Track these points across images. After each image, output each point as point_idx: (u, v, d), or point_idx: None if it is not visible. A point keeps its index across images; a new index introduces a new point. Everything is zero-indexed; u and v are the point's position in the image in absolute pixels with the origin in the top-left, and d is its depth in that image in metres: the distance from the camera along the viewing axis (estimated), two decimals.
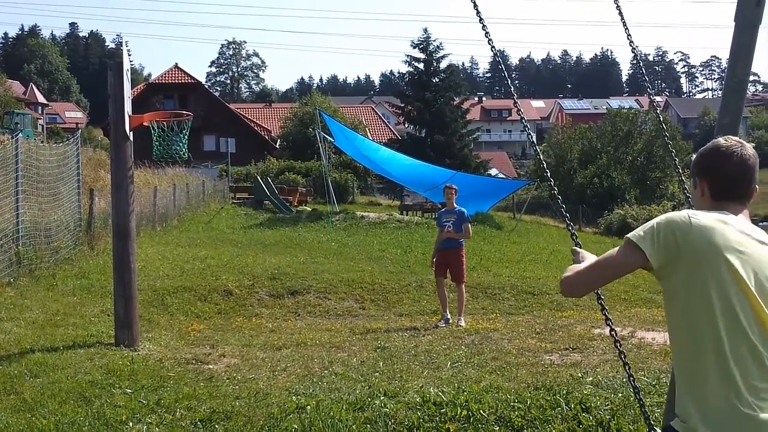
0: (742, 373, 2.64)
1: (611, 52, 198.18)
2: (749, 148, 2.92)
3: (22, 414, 6.41)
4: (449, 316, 11.92)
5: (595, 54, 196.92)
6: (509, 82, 4.72)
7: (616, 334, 4.22)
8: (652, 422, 3.89)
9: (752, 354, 2.66)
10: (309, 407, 6.27)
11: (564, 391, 6.47)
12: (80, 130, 33.74)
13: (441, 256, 12.38)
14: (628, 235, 2.91)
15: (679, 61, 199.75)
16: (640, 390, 6.58)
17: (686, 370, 2.80)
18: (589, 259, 3.32)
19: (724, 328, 2.67)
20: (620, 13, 4.88)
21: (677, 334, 2.87)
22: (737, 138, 3.00)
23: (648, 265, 2.86)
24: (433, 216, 33.56)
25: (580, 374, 7.26)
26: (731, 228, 2.76)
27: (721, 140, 2.95)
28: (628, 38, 4.82)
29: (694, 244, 2.73)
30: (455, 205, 12.63)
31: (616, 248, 2.98)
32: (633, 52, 4.99)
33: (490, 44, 4.37)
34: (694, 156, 3.04)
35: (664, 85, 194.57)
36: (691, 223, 2.76)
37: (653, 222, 2.86)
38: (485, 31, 4.56)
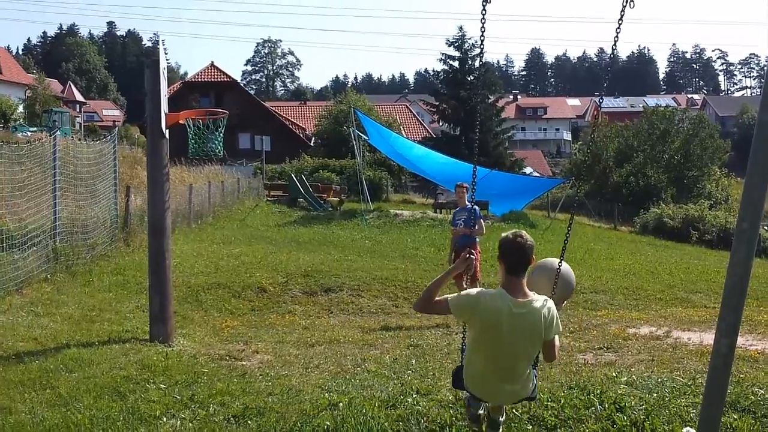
0: None
1: (648, 50, 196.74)
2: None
3: (57, 408, 6.47)
4: None
5: (632, 52, 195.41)
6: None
7: None
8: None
9: None
10: (341, 404, 6.27)
11: (598, 391, 6.42)
12: (117, 128, 34.06)
13: (457, 255, 12.32)
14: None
15: (717, 58, 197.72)
16: (676, 390, 6.53)
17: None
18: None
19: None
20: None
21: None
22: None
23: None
24: None
25: (614, 374, 7.19)
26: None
27: (510, 234, 4.87)
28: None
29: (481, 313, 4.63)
30: (467, 202, 12.61)
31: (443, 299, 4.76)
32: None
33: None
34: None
35: (701, 83, 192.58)
36: (479, 301, 4.64)
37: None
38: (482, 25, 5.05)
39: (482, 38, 5.09)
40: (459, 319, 4.82)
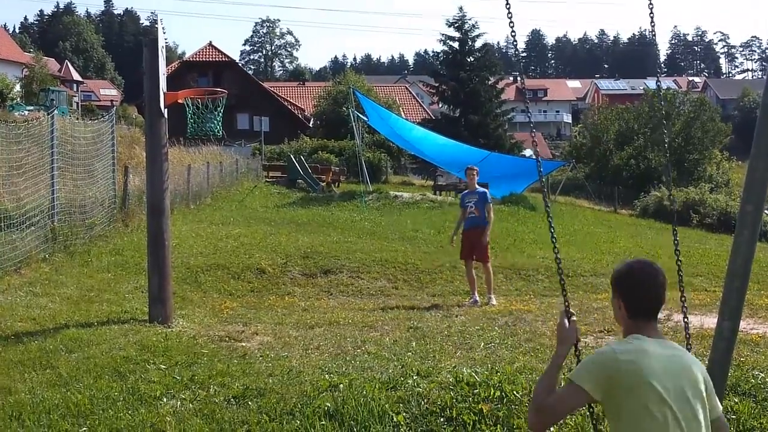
0: None
1: (649, 32, 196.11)
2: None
3: (57, 388, 6.46)
4: (477, 298, 12.07)
5: (633, 34, 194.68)
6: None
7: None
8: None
9: None
10: (342, 386, 6.25)
11: None
12: (115, 107, 33.96)
13: (465, 237, 12.53)
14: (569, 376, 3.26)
15: (719, 41, 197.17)
16: None
17: None
18: (562, 352, 3.57)
19: None
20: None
21: None
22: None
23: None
24: None
25: None
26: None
27: (634, 263, 3.44)
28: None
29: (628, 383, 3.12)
30: (477, 186, 12.79)
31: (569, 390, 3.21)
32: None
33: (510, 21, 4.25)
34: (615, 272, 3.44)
35: (702, 65, 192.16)
36: (620, 366, 3.13)
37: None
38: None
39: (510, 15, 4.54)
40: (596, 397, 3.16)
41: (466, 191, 13.11)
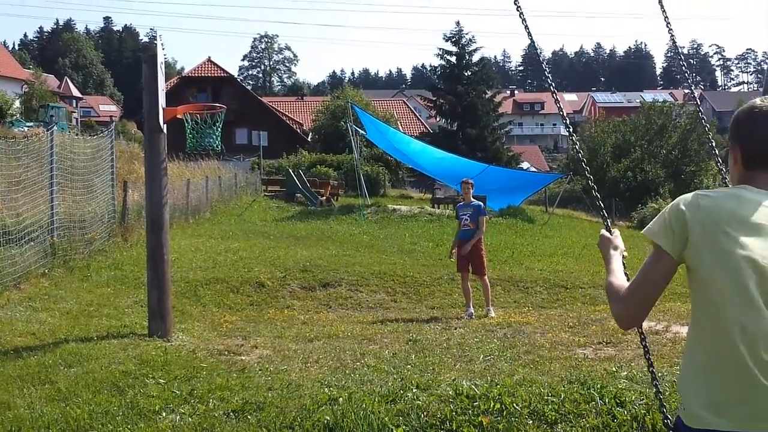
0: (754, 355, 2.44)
1: (645, 45, 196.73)
2: None
3: (56, 403, 6.45)
4: (473, 311, 12.16)
5: (629, 47, 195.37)
6: (547, 73, 4.61)
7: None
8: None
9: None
10: (341, 399, 6.25)
11: (598, 386, 6.41)
12: (114, 123, 34.02)
13: (460, 250, 12.58)
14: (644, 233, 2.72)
15: (714, 53, 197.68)
16: (677, 384, 6.52)
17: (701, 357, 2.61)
18: (615, 256, 3.14)
19: (739, 313, 2.46)
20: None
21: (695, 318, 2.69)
22: None
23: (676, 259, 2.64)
24: None
25: (614, 368, 7.17)
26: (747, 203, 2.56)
27: (757, 100, 2.74)
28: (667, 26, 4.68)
29: (702, 225, 2.54)
30: (472, 198, 12.85)
31: (648, 258, 2.72)
32: (672, 39, 4.82)
33: (527, 32, 4.27)
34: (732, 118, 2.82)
35: (699, 78, 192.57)
36: (699, 204, 2.58)
37: (663, 211, 2.68)
38: (522, 19, 4.34)
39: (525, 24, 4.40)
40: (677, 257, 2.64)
41: (461, 203, 13.26)
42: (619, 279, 2.92)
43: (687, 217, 2.56)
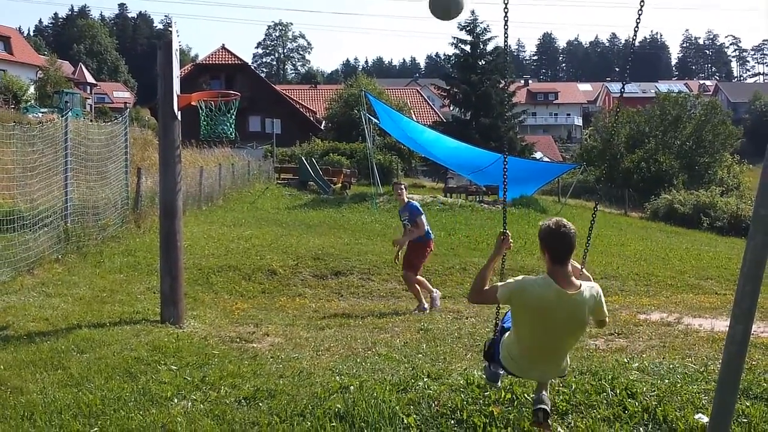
0: None
1: (661, 36, 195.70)
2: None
3: (68, 389, 6.49)
4: (437, 292, 12.04)
5: (644, 37, 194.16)
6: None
7: None
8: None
9: None
10: (352, 387, 6.26)
11: (609, 377, 6.40)
12: (128, 109, 34.08)
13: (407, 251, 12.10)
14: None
15: (730, 44, 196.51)
16: (688, 376, 6.51)
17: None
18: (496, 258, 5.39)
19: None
20: None
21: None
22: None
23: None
24: (477, 199, 33.46)
25: (625, 360, 7.17)
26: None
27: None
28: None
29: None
30: (406, 199, 12.29)
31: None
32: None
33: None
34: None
35: (714, 69, 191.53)
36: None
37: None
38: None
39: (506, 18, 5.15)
40: (504, 305, 5.02)
41: (400, 208, 12.67)
42: (483, 276, 5.07)
43: (520, 295, 4.93)
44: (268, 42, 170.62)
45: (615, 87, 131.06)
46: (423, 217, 11.97)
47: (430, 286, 12.09)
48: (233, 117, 10.33)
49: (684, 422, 5.55)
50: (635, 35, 5.28)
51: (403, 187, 12.42)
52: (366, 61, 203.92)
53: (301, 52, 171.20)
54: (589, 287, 4.86)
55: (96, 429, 5.71)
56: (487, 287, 4.97)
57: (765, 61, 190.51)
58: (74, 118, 18.97)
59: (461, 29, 58.85)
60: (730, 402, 4.53)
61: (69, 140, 14.25)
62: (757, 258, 4.41)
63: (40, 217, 12.86)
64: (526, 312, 4.82)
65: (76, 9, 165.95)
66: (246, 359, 7.52)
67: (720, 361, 6.47)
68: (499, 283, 4.91)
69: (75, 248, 13.64)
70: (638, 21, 5.14)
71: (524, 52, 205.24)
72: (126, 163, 17.88)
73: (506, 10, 5.18)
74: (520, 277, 4.94)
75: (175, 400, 6.21)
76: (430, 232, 12.23)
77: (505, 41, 5.04)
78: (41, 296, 10.46)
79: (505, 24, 4.96)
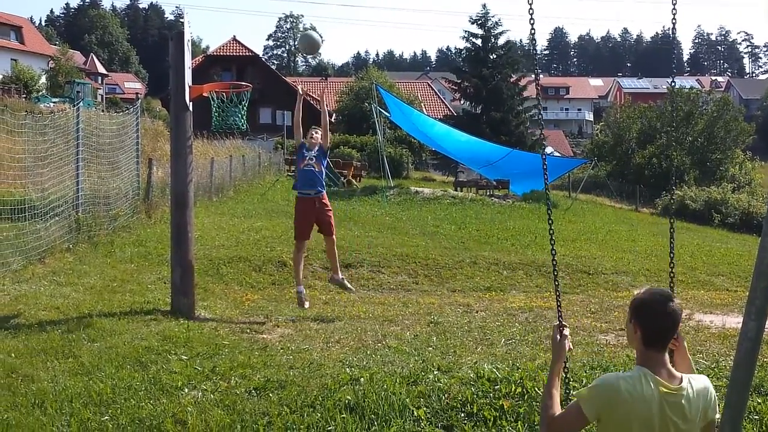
0: None
1: (672, 31, 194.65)
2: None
3: (79, 377, 6.51)
4: (303, 288, 10.27)
5: (656, 33, 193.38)
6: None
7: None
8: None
9: None
10: (362, 379, 6.26)
11: (621, 371, 6.38)
12: (140, 100, 34.14)
13: (301, 208, 10.40)
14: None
15: (743, 41, 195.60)
16: (699, 372, 6.48)
17: None
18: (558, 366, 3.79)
19: None
20: None
21: None
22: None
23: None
24: (488, 193, 33.40)
25: None
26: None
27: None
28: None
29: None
30: (320, 142, 10.42)
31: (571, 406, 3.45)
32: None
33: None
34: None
35: (726, 65, 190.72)
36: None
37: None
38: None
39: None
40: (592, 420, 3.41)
41: (303, 143, 10.46)
42: (552, 395, 3.59)
43: (613, 401, 3.36)
44: (279, 34, 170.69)
45: (626, 82, 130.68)
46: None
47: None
48: (245, 108, 10.34)
49: None
50: (674, 28, 5.06)
51: (320, 130, 10.48)
52: (377, 54, 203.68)
53: None
54: (696, 380, 3.53)
55: (106, 417, 5.73)
56: (557, 412, 3.52)
57: None
58: (85, 108, 18.99)
59: (472, 23, 58.70)
60: (742, 399, 4.51)
61: (81, 130, 14.26)
62: None
63: (51, 207, 12.89)
64: (623, 423, 3.34)
65: None
66: (256, 350, 7.53)
67: (731, 357, 6.45)
68: (578, 392, 3.54)
69: (86, 238, 13.67)
70: (674, 13, 4.83)
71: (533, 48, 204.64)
72: (137, 154, 17.90)
73: (531, 1, 4.52)
74: (601, 379, 3.46)
75: (186, 390, 6.22)
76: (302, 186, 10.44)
77: (532, 36, 4.67)
78: (52, 285, 10.48)
79: (531, 19, 4.79)
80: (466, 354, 7.38)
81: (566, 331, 3.91)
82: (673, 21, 4.46)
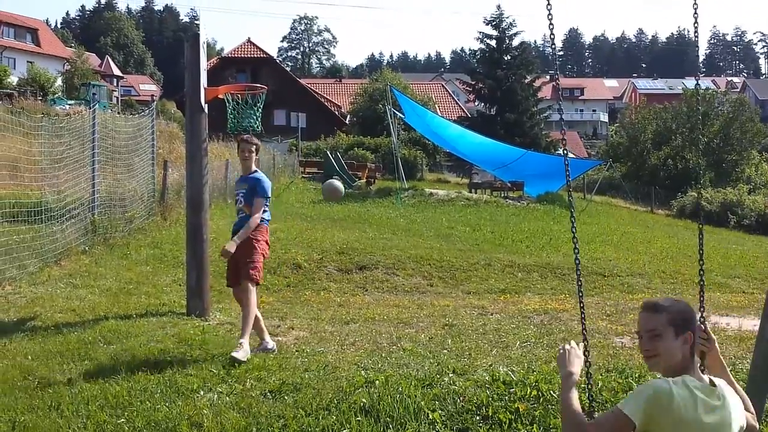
0: None
1: (688, 32, 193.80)
2: None
3: (95, 380, 6.53)
4: (271, 343, 7.91)
5: (671, 33, 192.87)
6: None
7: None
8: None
9: None
10: (377, 382, 6.26)
11: (636, 374, 6.37)
12: (155, 102, 34.23)
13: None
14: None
15: (759, 41, 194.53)
16: None
17: None
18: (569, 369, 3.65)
19: None
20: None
21: None
22: None
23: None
24: (502, 195, 33.33)
25: None
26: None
27: None
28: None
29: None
30: (254, 168, 8.33)
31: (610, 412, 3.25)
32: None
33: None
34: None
35: (741, 65, 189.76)
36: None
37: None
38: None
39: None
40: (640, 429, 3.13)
41: (239, 178, 8.61)
42: (574, 410, 3.33)
43: (668, 408, 3.14)
44: (294, 36, 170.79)
45: (641, 83, 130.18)
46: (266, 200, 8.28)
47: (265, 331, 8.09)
48: (260, 110, 10.34)
49: None
50: (696, 32, 4.97)
51: (253, 146, 8.24)
52: (391, 56, 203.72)
53: (326, 46, 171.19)
54: (719, 381, 3.44)
55: (122, 420, 5.75)
56: (586, 421, 3.28)
57: None
58: (101, 110, 19.07)
59: (487, 24, 58.66)
60: (760, 400, 4.50)
61: (96, 132, 14.32)
62: None
63: (67, 209, 12.95)
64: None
65: (103, 2, 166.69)
66: (271, 353, 7.54)
67: (748, 360, 6.42)
68: (621, 404, 3.20)
69: (102, 240, 13.73)
70: (696, 17, 4.74)
71: (550, 47, 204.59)
72: (152, 156, 17.96)
73: (549, 6, 4.34)
74: (650, 385, 3.23)
75: (201, 393, 6.24)
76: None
77: (552, 37, 4.55)
78: (68, 287, 10.53)
79: (550, 23, 4.70)
80: (481, 357, 7.36)
81: (573, 343, 3.87)
82: (695, 25, 4.40)
